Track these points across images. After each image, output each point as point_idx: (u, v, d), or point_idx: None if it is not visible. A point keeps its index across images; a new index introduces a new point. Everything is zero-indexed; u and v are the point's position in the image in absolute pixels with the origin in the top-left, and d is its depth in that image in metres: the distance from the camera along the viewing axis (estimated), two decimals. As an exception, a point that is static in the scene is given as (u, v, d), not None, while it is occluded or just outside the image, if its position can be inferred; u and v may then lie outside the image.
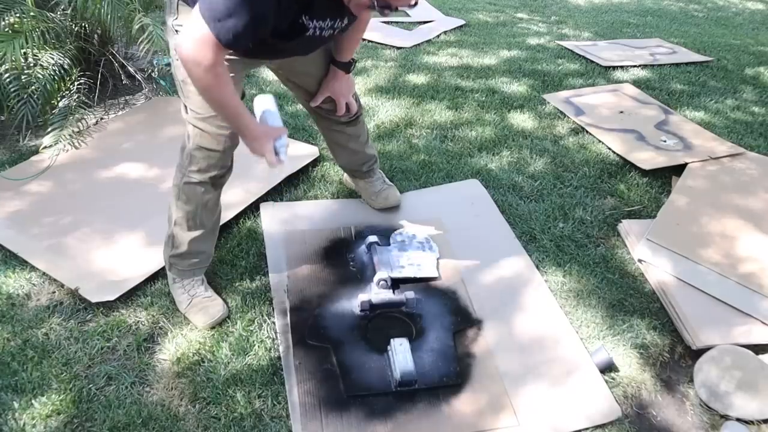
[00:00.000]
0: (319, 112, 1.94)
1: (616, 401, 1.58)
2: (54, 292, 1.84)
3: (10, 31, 2.48)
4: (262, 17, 1.25)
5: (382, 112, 2.95)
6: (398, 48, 3.83)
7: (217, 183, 1.69)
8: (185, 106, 1.59)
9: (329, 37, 1.47)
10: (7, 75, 2.47)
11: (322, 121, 2.00)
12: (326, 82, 1.80)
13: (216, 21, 1.23)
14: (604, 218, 2.27)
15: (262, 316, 1.78)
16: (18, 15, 2.53)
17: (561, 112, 3.04)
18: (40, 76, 2.53)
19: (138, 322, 1.75)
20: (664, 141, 2.72)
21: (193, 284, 1.78)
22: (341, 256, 1.99)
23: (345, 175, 2.32)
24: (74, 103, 2.66)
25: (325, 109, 1.91)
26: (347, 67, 1.79)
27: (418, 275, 1.91)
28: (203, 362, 1.63)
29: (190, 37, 1.28)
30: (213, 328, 1.73)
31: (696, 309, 1.82)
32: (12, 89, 2.48)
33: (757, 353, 1.69)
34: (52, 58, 2.59)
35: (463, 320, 1.79)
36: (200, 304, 1.74)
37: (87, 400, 1.52)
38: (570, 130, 2.88)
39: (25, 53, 2.48)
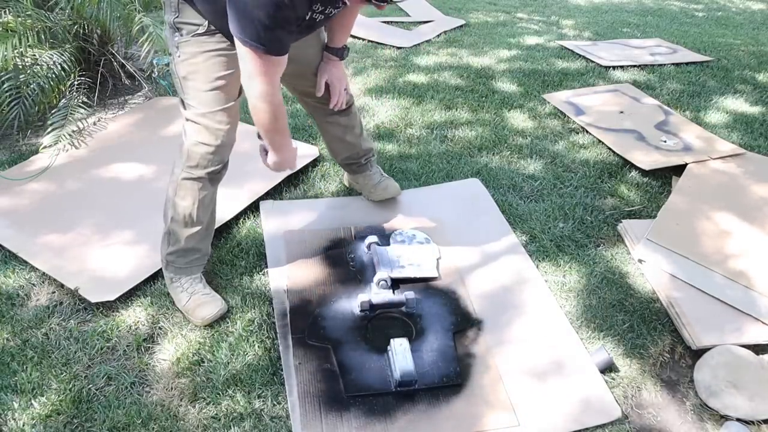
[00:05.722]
0: (313, 104, 1.96)
1: (616, 401, 1.58)
2: (54, 292, 1.84)
3: (4, 31, 2.48)
4: (287, 22, 1.35)
5: (382, 112, 2.95)
6: (398, 48, 3.83)
7: (214, 179, 1.70)
8: (183, 102, 1.61)
9: (320, 22, 1.50)
10: (4, 75, 2.47)
11: (318, 114, 2.01)
12: (322, 69, 1.84)
13: (261, 44, 1.34)
14: (604, 218, 2.27)
15: (262, 316, 1.78)
16: (14, 14, 2.52)
17: (561, 112, 3.03)
18: (41, 76, 2.53)
19: (138, 322, 1.75)
20: (664, 141, 2.72)
21: (191, 282, 1.78)
22: (341, 256, 1.99)
23: (345, 174, 2.32)
24: (74, 103, 2.66)
25: (319, 100, 1.92)
26: (340, 53, 1.82)
27: (418, 275, 1.91)
28: (203, 362, 1.63)
29: (256, 78, 1.41)
30: (212, 327, 1.73)
31: (696, 309, 1.82)
32: (12, 89, 2.48)
33: (757, 353, 1.70)
34: (51, 58, 2.59)
35: (463, 320, 1.79)
36: (199, 301, 1.74)
37: (87, 400, 1.52)
38: (570, 130, 2.88)
39: (21, 53, 2.48)
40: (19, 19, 2.52)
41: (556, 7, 5.40)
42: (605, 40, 4.30)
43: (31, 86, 2.52)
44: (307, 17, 1.40)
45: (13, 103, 2.49)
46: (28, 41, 2.49)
